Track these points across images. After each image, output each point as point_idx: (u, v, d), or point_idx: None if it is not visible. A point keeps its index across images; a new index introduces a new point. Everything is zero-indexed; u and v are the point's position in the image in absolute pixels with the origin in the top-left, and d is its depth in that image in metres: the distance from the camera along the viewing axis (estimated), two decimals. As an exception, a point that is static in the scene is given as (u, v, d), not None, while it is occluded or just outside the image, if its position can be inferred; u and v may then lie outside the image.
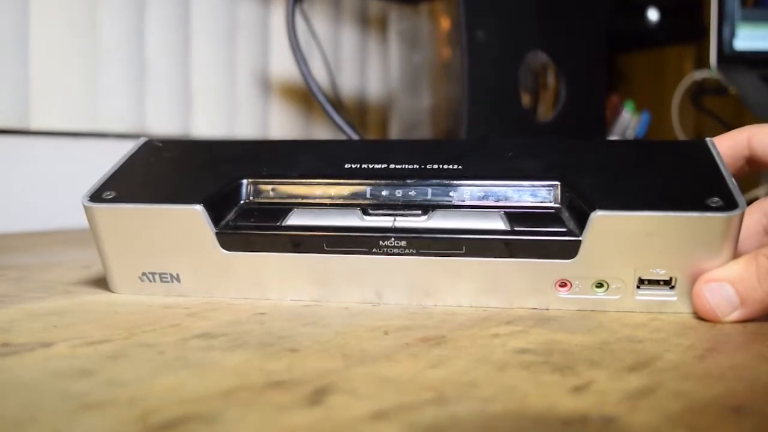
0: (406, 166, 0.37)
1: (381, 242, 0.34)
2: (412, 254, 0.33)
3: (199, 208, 0.34)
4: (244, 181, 0.37)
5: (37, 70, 0.69)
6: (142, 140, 0.42)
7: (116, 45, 0.76)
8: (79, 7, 0.72)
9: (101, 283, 0.39)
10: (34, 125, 0.70)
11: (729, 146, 0.37)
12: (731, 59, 0.80)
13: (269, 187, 0.37)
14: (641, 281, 0.32)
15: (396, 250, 0.33)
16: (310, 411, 0.20)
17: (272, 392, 0.22)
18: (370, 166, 0.37)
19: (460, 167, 0.36)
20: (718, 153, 0.35)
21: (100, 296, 0.37)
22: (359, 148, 0.41)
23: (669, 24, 1.07)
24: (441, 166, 0.36)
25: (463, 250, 0.33)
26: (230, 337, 0.28)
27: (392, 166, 0.37)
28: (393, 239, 0.33)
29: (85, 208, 0.36)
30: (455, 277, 0.34)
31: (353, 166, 0.37)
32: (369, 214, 0.35)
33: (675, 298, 0.33)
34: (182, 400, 0.21)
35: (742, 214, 0.31)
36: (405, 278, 0.34)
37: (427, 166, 0.36)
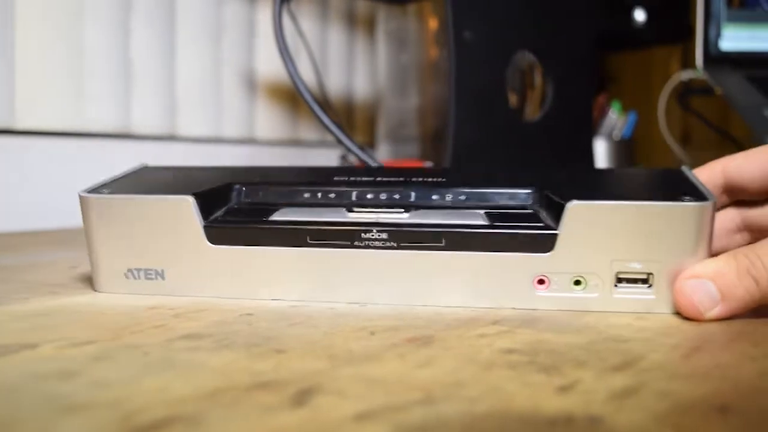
0: (392, 179, 0.38)
1: (363, 234, 0.34)
2: (393, 247, 0.34)
3: (190, 199, 0.35)
4: (236, 186, 0.38)
5: (23, 71, 0.69)
6: (140, 165, 0.44)
7: (102, 45, 0.75)
8: (64, 7, 0.71)
9: (87, 284, 0.39)
10: (20, 125, 0.70)
11: (706, 177, 0.38)
12: (717, 60, 0.80)
13: (259, 191, 0.38)
14: (619, 280, 0.33)
15: (378, 243, 0.34)
16: (296, 412, 0.20)
17: (258, 393, 0.22)
18: (357, 179, 0.38)
19: (443, 179, 0.38)
20: (692, 174, 0.36)
21: (85, 297, 0.36)
22: (348, 169, 0.43)
23: (656, 24, 1.08)
24: (425, 179, 0.38)
25: (443, 243, 0.34)
26: (216, 337, 0.28)
27: (378, 179, 0.38)
28: (375, 232, 0.34)
29: (81, 198, 0.37)
30: (436, 273, 0.34)
31: (341, 178, 0.38)
32: (353, 212, 0.36)
33: (653, 297, 0.33)
34: (167, 401, 0.21)
35: (714, 205, 0.32)
36: (386, 273, 0.34)
37: (412, 179, 0.38)
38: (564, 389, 0.22)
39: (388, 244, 0.34)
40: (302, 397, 0.21)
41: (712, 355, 0.27)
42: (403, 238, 0.34)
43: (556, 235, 0.33)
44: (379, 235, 0.34)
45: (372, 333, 0.29)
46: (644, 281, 0.33)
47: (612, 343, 0.28)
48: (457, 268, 0.34)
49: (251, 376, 0.23)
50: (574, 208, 0.32)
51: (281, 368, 0.24)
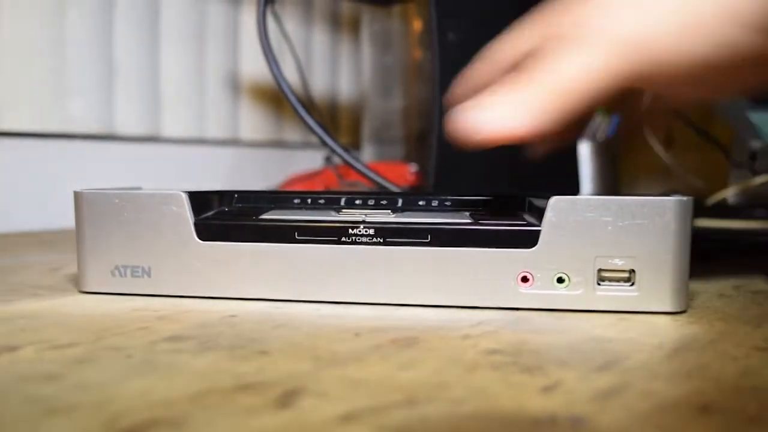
0: (382, 194, 0.40)
1: (350, 230, 0.35)
2: (379, 243, 0.35)
3: (182, 194, 0.36)
4: (228, 192, 0.39)
5: (4, 71, 0.69)
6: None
7: (84, 45, 0.75)
8: (47, 6, 0.71)
9: (70, 285, 0.39)
10: (1, 126, 0.69)
11: None
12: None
13: (251, 197, 0.39)
14: (601, 277, 0.33)
15: (364, 239, 0.35)
16: (279, 413, 0.20)
17: (242, 395, 0.22)
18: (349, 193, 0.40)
19: (431, 193, 0.39)
20: None
21: (68, 299, 0.36)
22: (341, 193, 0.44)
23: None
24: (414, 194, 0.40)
25: (428, 239, 0.34)
26: (200, 339, 0.28)
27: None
28: (362, 228, 0.35)
29: (75, 195, 0.37)
30: (421, 270, 0.34)
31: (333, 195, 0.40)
32: (341, 213, 0.37)
33: (636, 294, 0.33)
34: (150, 404, 0.21)
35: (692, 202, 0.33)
36: (372, 269, 0.35)
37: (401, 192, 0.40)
38: (547, 389, 0.22)
39: (374, 240, 0.35)
40: (286, 398, 0.21)
41: (695, 355, 0.27)
42: (389, 233, 0.34)
43: (538, 230, 0.33)
44: (365, 231, 0.35)
45: (357, 334, 0.29)
46: (627, 279, 0.33)
47: (595, 343, 0.28)
48: (442, 265, 0.34)
49: (235, 377, 0.23)
50: (557, 202, 0.33)
51: (265, 370, 0.24)
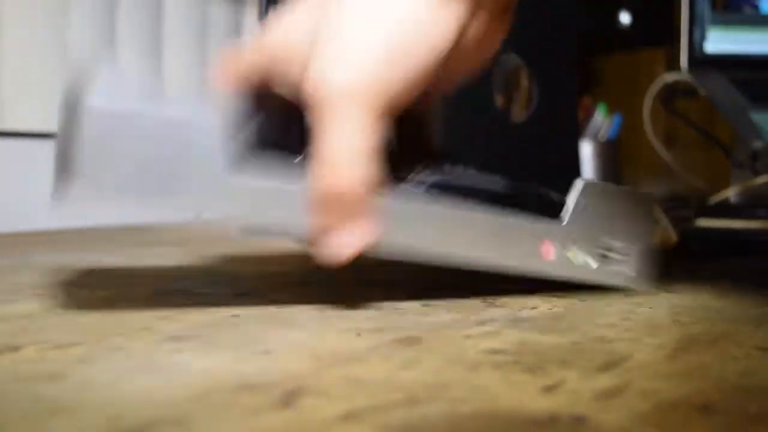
0: None
1: (401, 184, 0.34)
2: (427, 198, 0.34)
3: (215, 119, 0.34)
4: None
5: (8, 71, 0.69)
6: None
7: (86, 45, 0.75)
8: (50, 8, 0.71)
9: (72, 285, 0.39)
10: (4, 126, 0.69)
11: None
12: (702, 62, 0.80)
13: None
14: (609, 256, 0.38)
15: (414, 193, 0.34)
16: (281, 413, 0.20)
17: (244, 395, 0.22)
18: None
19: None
20: None
21: (70, 299, 0.36)
22: None
23: (641, 27, 1.08)
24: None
25: (462, 197, 0.35)
26: (202, 339, 0.28)
27: None
28: (414, 182, 0.35)
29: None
30: (450, 226, 0.34)
31: None
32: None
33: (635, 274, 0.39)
34: (153, 404, 0.21)
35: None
36: (417, 223, 0.34)
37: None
38: (549, 389, 0.22)
39: (425, 193, 0.35)
40: (288, 398, 0.21)
41: (696, 355, 0.27)
42: (439, 190, 0.35)
43: (564, 204, 0.37)
44: (417, 186, 0.35)
45: (358, 334, 0.29)
46: (634, 259, 0.38)
47: (597, 344, 0.28)
48: (472, 223, 0.35)
49: (237, 377, 0.23)
50: (587, 186, 0.37)
51: (267, 370, 0.24)
